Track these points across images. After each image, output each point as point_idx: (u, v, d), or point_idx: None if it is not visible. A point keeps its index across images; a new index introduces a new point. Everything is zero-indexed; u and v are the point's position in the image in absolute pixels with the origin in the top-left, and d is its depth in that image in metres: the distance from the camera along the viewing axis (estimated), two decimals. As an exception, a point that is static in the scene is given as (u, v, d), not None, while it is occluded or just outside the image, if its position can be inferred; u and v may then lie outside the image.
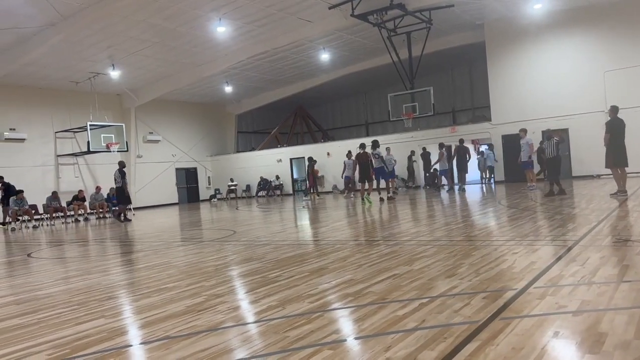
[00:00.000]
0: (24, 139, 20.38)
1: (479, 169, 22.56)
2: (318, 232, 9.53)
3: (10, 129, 20.00)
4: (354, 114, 31.97)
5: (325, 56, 21.86)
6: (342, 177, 20.13)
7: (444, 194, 17.23)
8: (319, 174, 20.85)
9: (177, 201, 26.73)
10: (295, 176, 27.83)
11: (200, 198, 28.15)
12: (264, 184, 27.05)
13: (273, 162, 27.23)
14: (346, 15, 17.21)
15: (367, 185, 15.22)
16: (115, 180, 16.01)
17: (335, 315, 3.60)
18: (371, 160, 15.27)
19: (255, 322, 3.55)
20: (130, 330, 3.68)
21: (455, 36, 22.16)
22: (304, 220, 12.41)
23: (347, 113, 32.34)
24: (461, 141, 18.04)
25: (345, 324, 3.43)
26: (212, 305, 4.08)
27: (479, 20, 20.62)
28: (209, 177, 28.89)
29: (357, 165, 15.23)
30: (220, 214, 17.17)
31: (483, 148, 23.14)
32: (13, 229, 16.18)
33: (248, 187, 28.06)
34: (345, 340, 3.06)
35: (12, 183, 17.53)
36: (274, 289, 4.46)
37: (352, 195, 19.38)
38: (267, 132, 30.35)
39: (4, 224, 16.97)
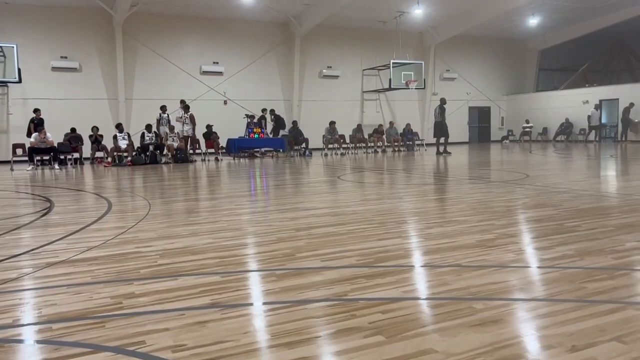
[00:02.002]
0: (338, 76, 23.03)
1: None
2: (629, 185, 8.35)
3: (328, 67, 22.82)
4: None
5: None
6: None
7: None
8: None
9: (467, 140, 26.68)
10: (603, 120, 24.43)
11: (491, 139, 27.44)
12: (567, 127, 24.58)
13: (578, 103, 24.36)
14: None
15: None
16: (435, 115, 17.43)
17: (645, 277, 3.21)
18: None
19: (547, 267, 3.44)
20: (423, 253, 4.00)
21: None
22: (611, 171, 10.98)
23: (685, 46, 26.25)
24: None
25: (658, 288, 3.03)
26: (503, 243, 4.09)
27: None
28: (502, 118, 27.76)
29: None
30: (511, 156, 16.51)
31: None
32: (326, 155, 18.82)
33: (545, 129, 25.98)
34: (656, 305, 2.72)
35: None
36: (571, 238, 4.19)
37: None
38: (574, 70, 27.11)
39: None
